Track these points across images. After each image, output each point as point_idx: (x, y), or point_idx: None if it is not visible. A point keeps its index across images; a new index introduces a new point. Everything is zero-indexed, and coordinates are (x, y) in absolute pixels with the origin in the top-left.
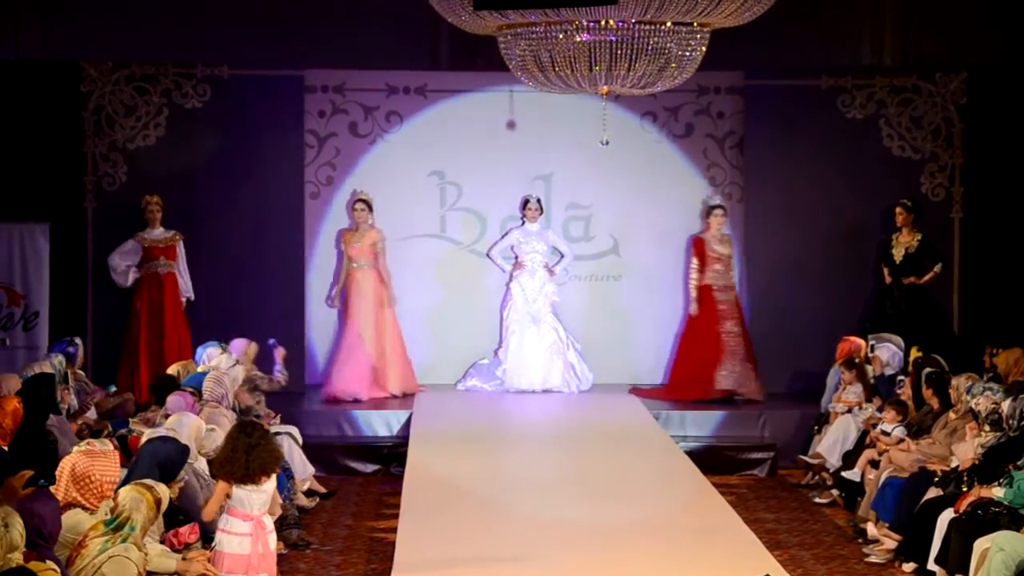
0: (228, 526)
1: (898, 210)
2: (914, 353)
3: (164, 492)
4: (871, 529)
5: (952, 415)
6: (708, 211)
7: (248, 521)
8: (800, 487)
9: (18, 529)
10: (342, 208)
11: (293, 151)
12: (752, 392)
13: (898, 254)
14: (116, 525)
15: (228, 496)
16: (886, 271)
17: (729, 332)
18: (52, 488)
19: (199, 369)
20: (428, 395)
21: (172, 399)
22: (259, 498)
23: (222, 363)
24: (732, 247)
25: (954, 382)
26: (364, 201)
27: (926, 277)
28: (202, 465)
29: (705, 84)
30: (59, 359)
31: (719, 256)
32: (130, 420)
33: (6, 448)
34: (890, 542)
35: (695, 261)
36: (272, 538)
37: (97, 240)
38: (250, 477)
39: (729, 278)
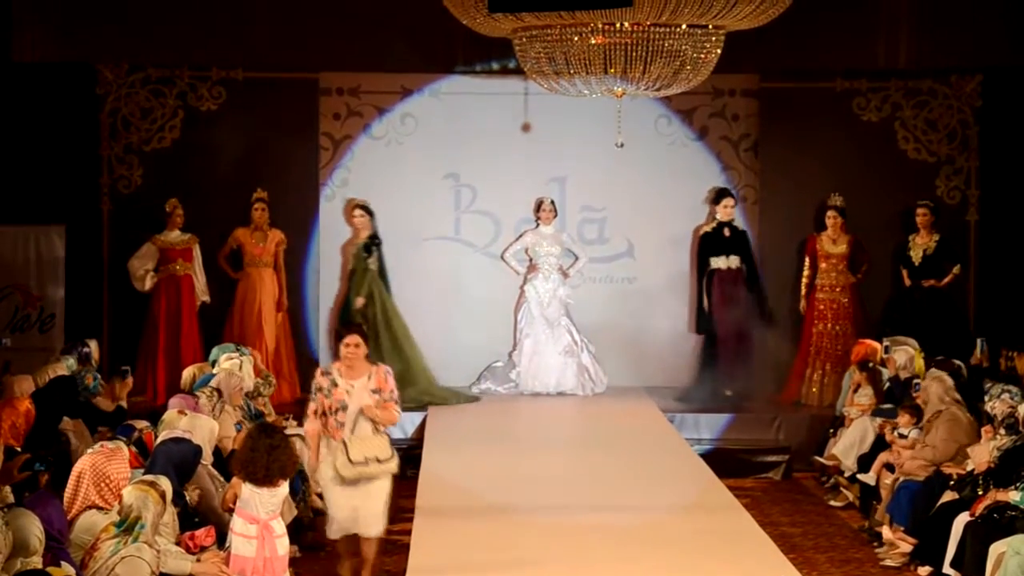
0: (236, 527)
1: (921, 211)
2: (918, 359)
3: (167, 484)
4: (886, 532)
5: (924, 417)
6: (827, 211)
7: (254, 524)
8: (815, 481)
9: (36, 534)
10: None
11: (308, 154)
12: (808, 398)
13: (916, 256)
14: (126, 526)
15: (237, 495)
16: (905, 273)
17: (820, 333)
18: (68, 491)
19: (213, 371)
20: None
21: (173, 401)
22: (268, 501)
23: (233, 367)
24: (849, 248)
25: (923, 383)
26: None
27: (946, 280)
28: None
29: (720, 87)
30: (70, 362)
31: (828, 255)
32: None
33: (19, 448)
34: (905, 546)
35: (807, 259)
36: (282, 543)
37: (113, 242)
38: (269, 479)
39: (836, 279)
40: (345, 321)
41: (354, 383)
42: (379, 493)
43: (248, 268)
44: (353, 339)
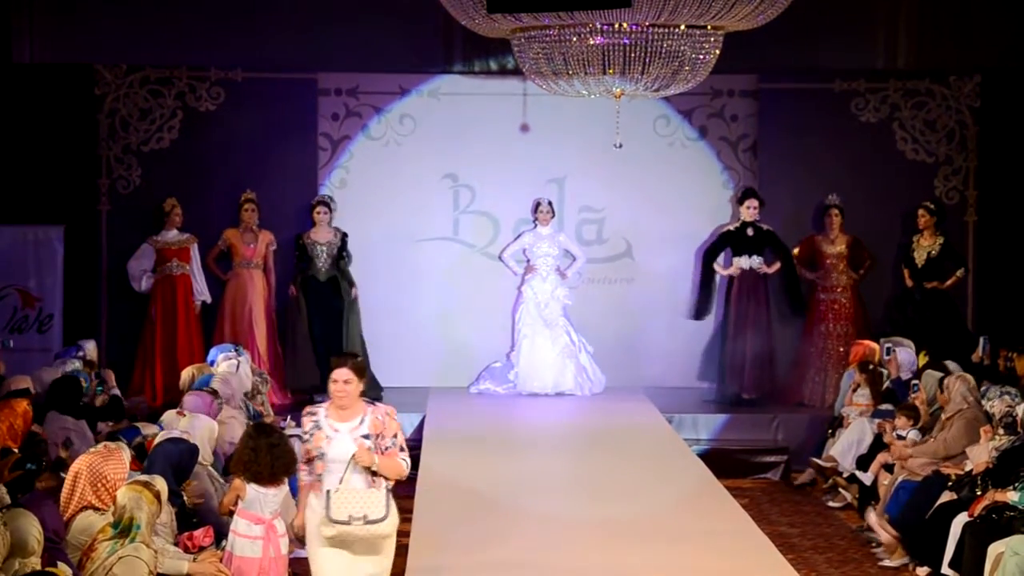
0: (239, 528)
1: (920, 212)
2: (921, 359)
3: (162, 484)
4: (871, 518)
5: (943, 415)
6: (825, 210)
7: (260, 524)
8: (803, 486)
9: (35, 535)
10: (355, 211)
11: (306, 154)
12: (809, 399)
13: (920, 257)
14: (122, 528)
15: (241, 497)
16: (907, 273)
17: (820, 334)
18: (65, 491)
19: (213, 371)
20: (441, 398)
21: (189, 399)
22: (272, 501)
23: (230, 367)
24: (848, 247)
25: (946, 382)
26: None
27: (949, 282)
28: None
29: (719, 87)
30: (76, 364)
31: (828, 255)
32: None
33: (16, 449)
34: (887, 536)
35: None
36: (284, 542)
37: (111, 243)
38: (275, 477)
39: (837, 279)
40: (338, 351)
41: (339, 426)
42: (378, 561)
43: (238, 269)
44: (342, 374)
